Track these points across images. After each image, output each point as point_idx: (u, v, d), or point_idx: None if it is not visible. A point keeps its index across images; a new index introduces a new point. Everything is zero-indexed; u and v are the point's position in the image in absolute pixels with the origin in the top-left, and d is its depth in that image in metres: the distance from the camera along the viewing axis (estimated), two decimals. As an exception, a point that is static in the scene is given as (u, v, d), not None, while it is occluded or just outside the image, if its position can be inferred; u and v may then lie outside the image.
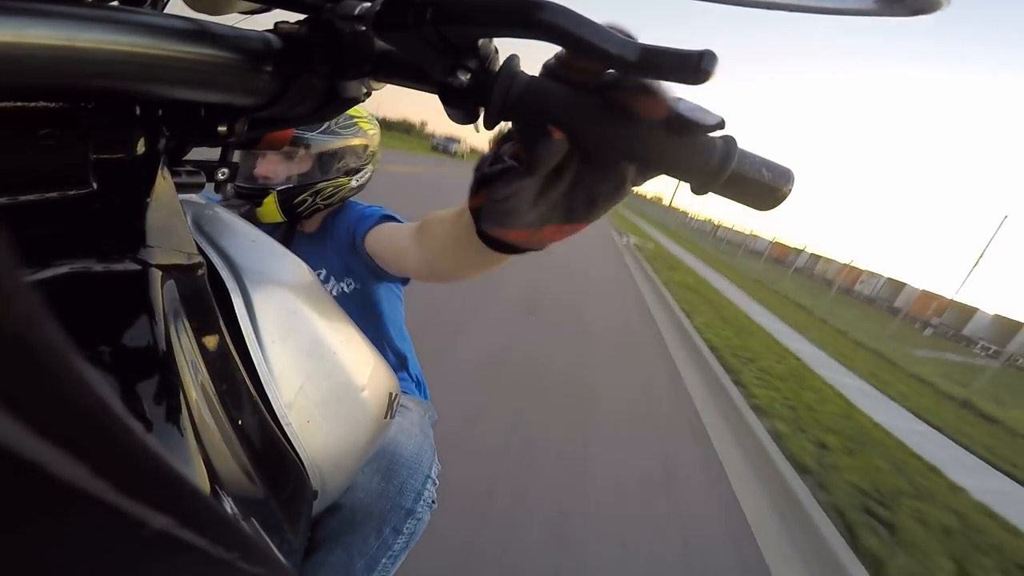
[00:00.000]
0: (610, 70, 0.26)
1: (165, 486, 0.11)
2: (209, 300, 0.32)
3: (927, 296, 33.64)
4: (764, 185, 0.26)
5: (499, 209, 0.30)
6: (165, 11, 0.33)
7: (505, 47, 0.30)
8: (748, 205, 0.27)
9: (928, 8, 0.26)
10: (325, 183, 0.89)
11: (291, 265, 0.43)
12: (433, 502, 0.71)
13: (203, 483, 0.26)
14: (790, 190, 0.26)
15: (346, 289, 0.92)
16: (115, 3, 0.28)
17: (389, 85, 0.37)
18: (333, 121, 0.89)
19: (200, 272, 0.31)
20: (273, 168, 0.87)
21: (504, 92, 0.28)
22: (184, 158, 0.37)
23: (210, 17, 0.36)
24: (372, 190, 1.03)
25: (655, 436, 2.71)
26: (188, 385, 0.27)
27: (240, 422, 0.31)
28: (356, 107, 0.94)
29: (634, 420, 2.83)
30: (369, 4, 0.30)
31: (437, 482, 0.73)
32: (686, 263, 12.63)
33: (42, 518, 0.08)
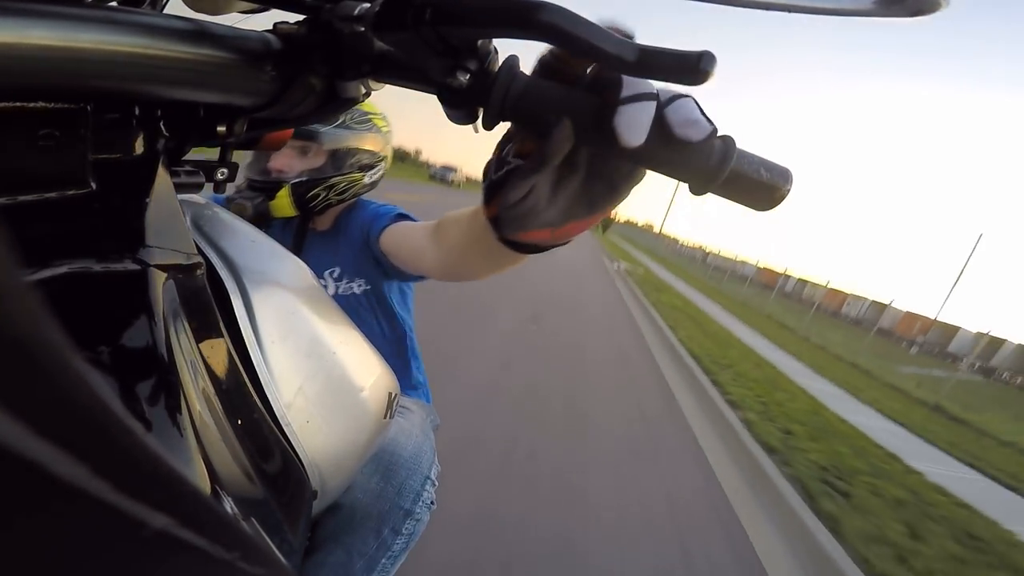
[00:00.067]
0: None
1: (165, 486, 0.11)
2: (208, 300, 0.32)
3: (911, 317, 35.60)
4: (763, 185, 0.26)
5: (515, 214, 0.30)
6: (164, 11, 0.33)
7: (504, 47, 0.30)
8: (747, 205, 0.27)
9: (927, 9, 0.26)
10: (339, 178, 0.89)
11: (290, 266, 0.43)
12: (432, 503, 0.71)
13: (203, 483, 0.26)
14: (789, 190, 0.26)
15: (356, 289, 0.92)
16: (114, 3, 0.28)
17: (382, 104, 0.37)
18: (348, 116, 0.89)
19: (199, 272, 0.31)
20: (287, 162, 0.87)
21: (503, 92, 0.28)
22: (183, 158, 0.37)
23: (209, 17, 0.36)
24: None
25: (640, 418, 3.20)
26: (187, 385, 0.27)
27: (240, 422, 0.31)
28: (370, 104, 0.92)
29: (623, 412, 3.25)
30: (368, 5, 0.30)
31: (436, 483, 0.73)
32: (674, 287, 13.27)
33: (42, 518, 0.08)
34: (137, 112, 0.30)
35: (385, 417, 0.49)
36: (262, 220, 0.85)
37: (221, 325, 0.33)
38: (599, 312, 6.78)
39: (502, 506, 1.86)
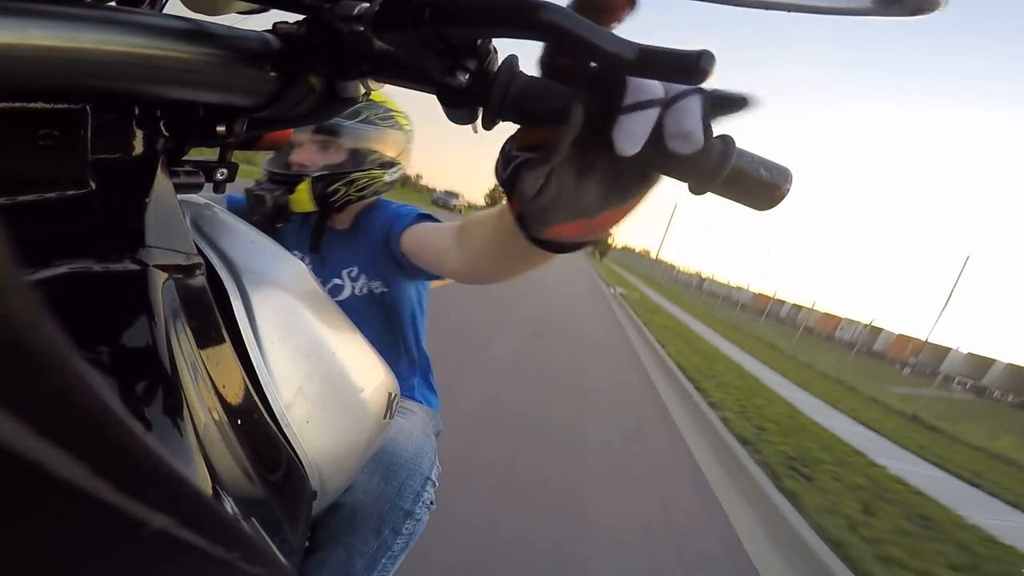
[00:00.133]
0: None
1: (165, 486, 0.11)
2: (208, 301, 0.32)
3: (903, 339, 37.30)
4: (762, 184, 0.26)
5: (538, 206, 0.28)
6: (163, 11, 0.33)
7: (504, 47, 0.30)
8: (747, 205, 0.27)
9: (927, 8, 0.26)
10: (359, 174, 0.88)
11: (290, 266, 0.43)
12: (432, 503, 0.71)
13: (203, 483, 0.26)
14: (789, 189, 0.26)
15: (374, 290, 0.91)
16: (113, 3, 0.28)
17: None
18: (372, 113, 0.88)
19: (199, 272, 0.31)
20: (309, 156, 0.86)
21: (503, 92, 0.28)
22: (183, 158, 0.37)
23: (208, 17, 0.36)
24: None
25: (631, 415, 3.69)
26: (187, 385, 0.27)
27: (240, 422, 0.31)
28: (393, 102, 0.91)
29: (615, 406, 3.81)
30: (368, 4, 0.30)
31: (437, 484, 0.73)
32: (667, 310, 14.16)
33: (42, 518, 0.08)
34: (137, 112, 0.30)
35: (385, 417, 0.49)
36: (281, 214, 0.84)
37: (221, 325, 0.33)
38: (596, 329, 7.47)
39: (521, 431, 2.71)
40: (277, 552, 0.32)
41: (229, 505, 0.27)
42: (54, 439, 0.08)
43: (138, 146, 0.30)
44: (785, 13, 0.28)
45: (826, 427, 5.19)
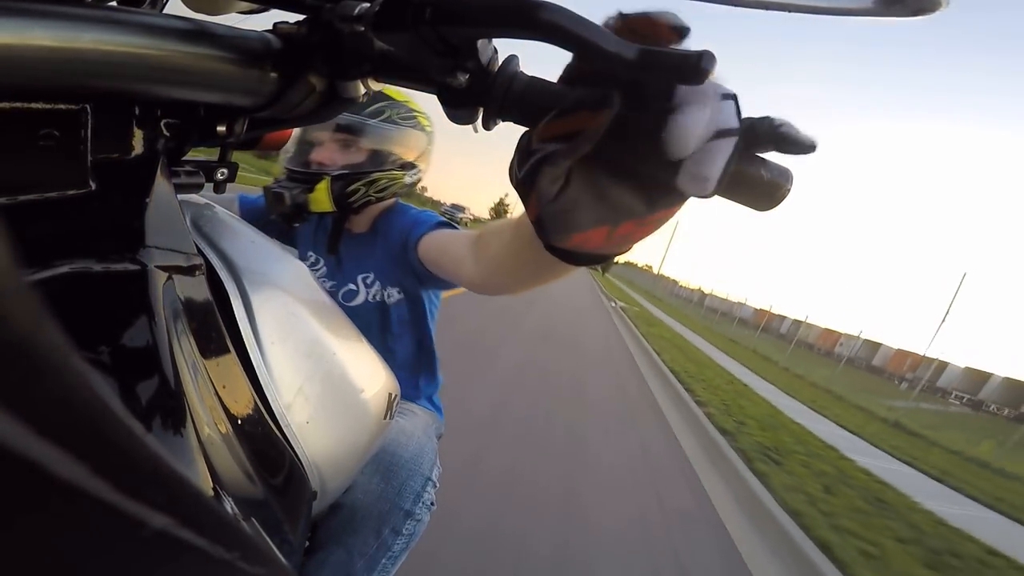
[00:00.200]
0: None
1: (165, 486, 0.11)
2: (208, 301, 0.32)
3: (901, 354, 38.57)
4: (764, 184, 0.26)
5: (558, 209, 0.27)
6: (164, 11, 0.33)
7: (504, 47, 0.30)
8: (748, 205, 0.27)
9: (928, 8, 0.26)
10: (380, 174, 0.86)
11: (291, 267, 0.43)
12: (432, 504, 0.71)
13: (204, 483, 0.26)
14: (790, 189, 0.26)
15: (388, 298, 0.89)
16: (114, 3, 0.28)
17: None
18: (395, 112, 0.87)
19: (199, 273, 0.31)
20: (330, 155, 0.85)
21: (503, 92, 0.28)
22: (183, 158, 0.37)
23: (209, 17, 0.36)
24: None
25: (628, 413, 4.23)
26: (188, 386, 0.27)
27: (240, 423, 0.31)
28: (414, 102, 0.90)
29: (616, 404, 4.42)
30: (368, 4, 0.30)
31: (437, 485, 0.73)
32: (665, 323, 15.01)
33: (42, 518, 0.08)
34: (137, 112, 0.30)
35: (385, 418, 0.49)
36: (299, 212, 0.82)
37: (221, 326, 0.33)
38: (597, 338, 8.19)
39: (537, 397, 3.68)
40: (277, 552, 0.32)
41: (229, 505, 0.27)
42: (54, 439, 0.08)
43: (138, 146, 0.30)
44: (786, 14, 0.28)
45: (805, 427, 5.60)
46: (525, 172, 0.26)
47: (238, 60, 0.30)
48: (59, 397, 0.09)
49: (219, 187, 0.41)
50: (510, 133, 0.30)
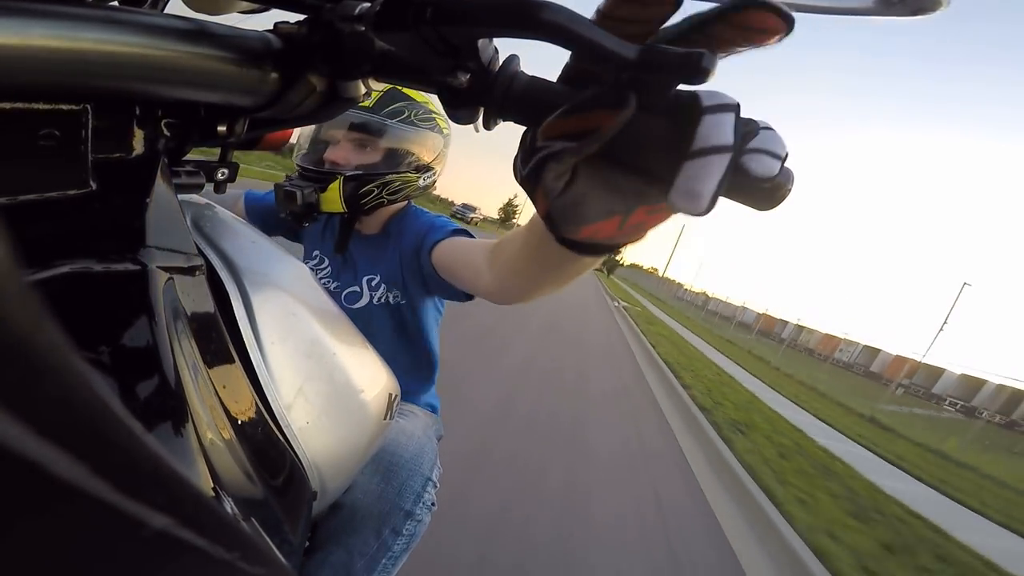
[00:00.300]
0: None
1: (165, 486, 0.11)
2: (209, 301, 0.32)
3: (899, 360, 39.39)
4: (764, 184, 0.26)
5: (567, 202, 0.26)
6: (164, 11, 0.33)
7: (505, 47, 0.30)
8: (748, 205, 0.27)
9: (929, 8, 0.25)
10: (394, 176, 0.84)
11: (291, 267, 0.43)
12: (433, 504, 0.71)
13: (204, 484, 0.26)
14: (790, 189, 0.26)
15: (393, 301, 0.88)
16: (114, 3, 0.28)
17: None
18: (413, 113, 0.85)
19: (199, 273, 0.31)
20: (344, 155, 0.83)
21: (504, 92, 0.28)
22: (184, 158, 0.37)
23: (209, 17, 0.36)
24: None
25: (623, 391, 5.07)
26: (188, 386, 0.27)
27: (240, 423, 0.31)
28: (434, 103, 0.88)
29: (613, 381, 5.32)
30: (369, 4, 0.30)
31: (438, 485, 0.73)
32: (665, 322, 16.06)
33: (42, 518, 0.08)
34: (138, 112, 0.30)
35: (385, 418, 0.49)
36: (310, 212, 0.80)
37: (222, 326, 0.33)
38: (599, 332, 9.05)
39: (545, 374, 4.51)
40: (277, 552, 0.32)
41: (229, 505, 0.27)
42: (54, 439, 0.08)
43: (139, 146, 0.30)
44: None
45: (779, 413, 6.43)
46: (529, 169, 0.26)
47: (238, 60, 0.30)
48: (59, 397, 0.09)
49: (220, 187, 0.41)
50: (520, 134, 0.29)
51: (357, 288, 0.88)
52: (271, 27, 0.34)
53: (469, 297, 0.79)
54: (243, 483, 0.30)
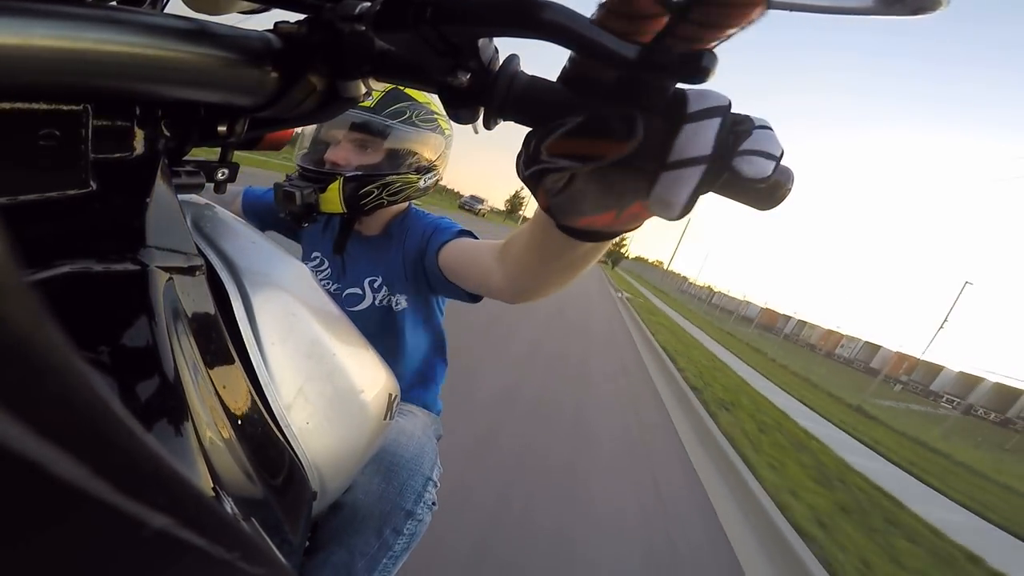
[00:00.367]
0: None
1: (165, 486, 0.11)
2: (209, 301, 0.32)
3: (900, 356, 39.98)
4: (764, 184, 0.26)
5: (564, 199, 0.28)
6: (165, 11, 0.33)
7: (505, 47, 0.30)
8: (748, 204, 0.27)
9: (928, 7, 0.25)
10: (395, 177, 0.83)
11: (291, 267, 0.43)
12: (434, 504, 0.71)
13: (204, 484, 0.26)
14: (790, 189, 0.26)
15: (396, 303, 0.87)
16: (114, 3, 0.28)
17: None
18: (415, 113, 0.84)
19: (199, 273, 0.31)
20: (345, 155, 0.82)
21: (504, 92, 0.28)
22: (184, 158, 0.37)
23: (210, 17, 0.36)
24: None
25: (621, 371, 5.57)
26: (188, 386, 0.27)
27: (240, 423, 0.31)
28: (436, 104, 0.88)
29: (612, 363, 5.81)
30: (369, 4, 0.30)
31: (438, 484, 0.73)
32: (665, 313, 16.55)
33: (42, 518, 0.08)
34: (138, 112, 0.30)
35: (385, 418, 0.49)
36: (309, 212, 0.80)
37: (222, 326, 0.33)
38: (602, 320, 9.63)
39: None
40: (277, 552, 0.32)
41: (229, 505, 0.27)
42: (54, 440, 0.08)
43: (139, 146, 0.30)
44: (787, 13, 0.28)
45: (766, 397, 6.91)
46: (530, 173, 0.27)
47: (239, 60, 0.30)
48: (59, 397, 0.09)
49: (220, 187, 0.41)
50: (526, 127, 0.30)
51: (359, 290, 0.88)
52: (271, 27, 0.34)
53: (475, 299, 0.79)
54: (243, 483, 0.30)
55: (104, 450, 0.10)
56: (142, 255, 0.27)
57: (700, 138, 0.23)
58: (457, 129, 0.93)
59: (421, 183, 0.87)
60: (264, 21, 0.38)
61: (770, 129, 0.24)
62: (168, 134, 0.32)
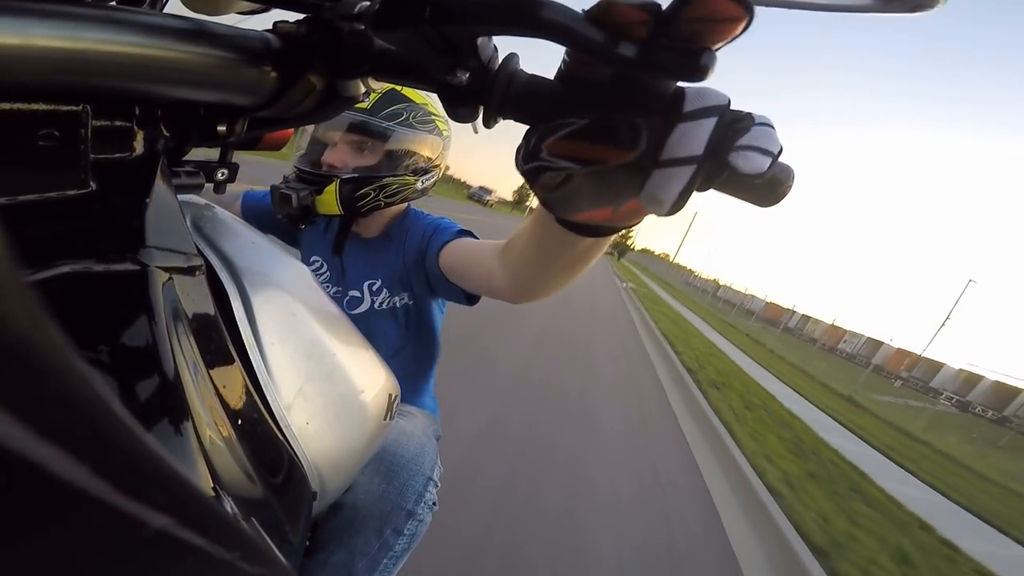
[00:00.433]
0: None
1: (165, 486, 0.11)
2: (209, 301, 0.32)
3: (901, 353, 41.11)
4: (765, 181, 0.26)
5: (560, 196, 0.28)
6: (164, 11, 0.33)
7: (505, 46, 0.30)
8: (749, 201, 0.27)
9: (927, 4, 0.25)
10: (391, 179, 0.82)
11: (291, 267, 0.43)
12: (434, 504, 0.71)
13: (204, 484, 0.26)
14: (790, 186, 0.26)
15: (396, 305, 0.87)
16: (114, 3, 0.28)
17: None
18: (412, 115, 0.84)
19: (199, 273, 0.31)
20: (342, 157, 0.82)
21: (504, 90, 0.28)
22: (183, 159, 0.37)
23: (209, 17, 0.36)
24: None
25: (623, 354, 6.14)
26: (188, 386, 0.27)
27: (240, 423, 0.31)
28: (434, 106, 0.88)
29: (615, 347, 6.42)
30: (368, 3, 0.30)
31: (439, 484, 0.73)
32: (668, 303, 17.42)
33: (42, 518, 0.08)
34: (137, 112, 0.30)
35: (386, 419, 0.49)
36: (306, 215, 0.80)
37: (221, 326, 0.33)
38: (606, 307, 10.30)
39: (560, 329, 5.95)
40: (277, 552, 0.32)
41: (229, 505, 0.27)
42: (54, 439, 0.08)
43: (139, 146, 0.30)
44: (787, 10, 0.28)
45: (757, 382, 7.33)
46: (529, 169, 0.27)
47: (238, 59, 0.30)
48: (59, 397, 0.09)
49: (219, 187, 0.41)
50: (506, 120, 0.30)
51: (358, 293, 0.88)
52: (270, 27, 0.34)
53: (474, 300, 0.79)
54: (243, 483, 0.30)
55: (104, 450, 0.10)
56: (142, 255, 0.27)
57: (693, 137, 0.23)
58: (451, 139, 0.94)
59: (419, 184, 0.87)
60: (263, 21, 0.38)
61: (770, 126, 0.24)
62: (168, 134, 0.32)
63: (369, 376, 0.46)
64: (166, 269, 0.28)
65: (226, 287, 0.36)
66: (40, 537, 0.08)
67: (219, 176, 0.40)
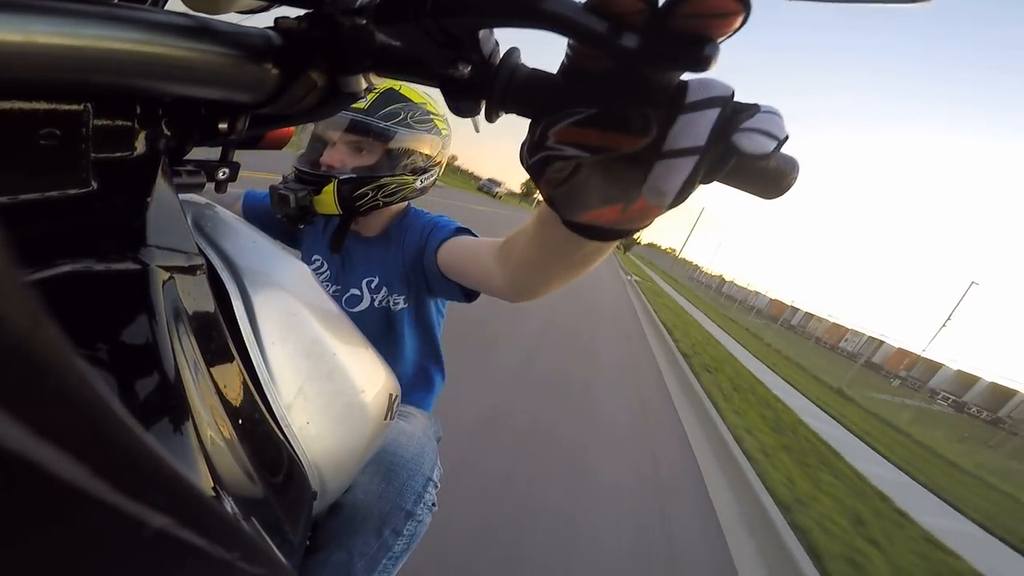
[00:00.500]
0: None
1: (165, 486, 0.11)
2: (209, 301, 0.32)
3: (900, 353, 41.58)
4: (770, 173, 0.26)
5: (568, 190, 0.27)
6: (165, 8, 0.33)
7: (506, 40, 0.30)
8: (754, 193, 0.27)
9: None
10: (389, 179, 0.82)
11: (292, 267, 0.43)
12: (434, 504, 0.71)
13: (204, 483, 0.26)
14: (796, 178, 0.26)
15: (395, 304, 0.87)
16: (115, 1, 0.28)
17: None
18: (410, 114, 0.84)
19: (200, 273, 0.31)
20: (340, 157, 0.82)
21: (505, 84, 0.28)
22: (185, 158, 0.37)
23: (209, 15, 0.36)
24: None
25: (625, 339, 6.64)
26: (188, 385, 0.27)
27: (240, 423, 0.31)
28: (433, 105, 0.88)
29: (618, 333, 6.93)
30: None
31: (439, 485, 0.73)
32: (671, 296, 18.07)
33: (42, 518, 0.08)
34: (138, 111, 0.30)
35: (386, 418, 0.49)
36: (304, 215, 0.80)
37: (222, 326, 0.33)
38: (610, 300, 10.62)
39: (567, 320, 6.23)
40: (277, 552, 0.31)
41: (229, 505, 0.27)
42: (54, 439, 0.08)
43: (140, 145, 0.30)
44: (786, 10, 0.28)
45: (750, 370, 7.77)
46: (535, 161, 0.27)
47: (239, 56, 0.30)
48: (59, 397, 0.09)
49: (221, 186, 0.41)
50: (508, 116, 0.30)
51: (357, 291, 0.88)
52: (271, 23, 0.34)
53: (472, 298, 0.79)
54: (243, 483, 0.30)
55: (104, 450, 0.09)
56: (143, 254, 0.27)
57: (696, 128, 0.23)
58: (450, 138, 0.94)
59: (417, 184, 0.87)
60: (264, 19, 0.37)
61: (777, 115, 0.23)
62: (169, 133, 0.32)
63: (369, 376, 0.46)
64: (167, 268, 0.28)
65: (227, 286, 0.36)
66: (40, 537, 0.08)
67: (220, 175, 0.40)
